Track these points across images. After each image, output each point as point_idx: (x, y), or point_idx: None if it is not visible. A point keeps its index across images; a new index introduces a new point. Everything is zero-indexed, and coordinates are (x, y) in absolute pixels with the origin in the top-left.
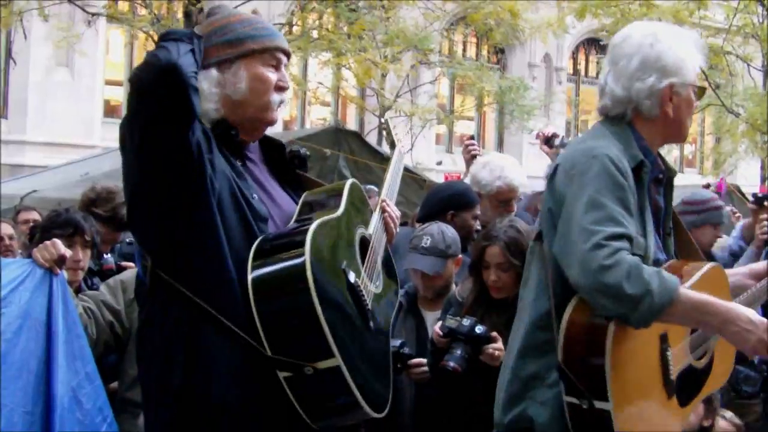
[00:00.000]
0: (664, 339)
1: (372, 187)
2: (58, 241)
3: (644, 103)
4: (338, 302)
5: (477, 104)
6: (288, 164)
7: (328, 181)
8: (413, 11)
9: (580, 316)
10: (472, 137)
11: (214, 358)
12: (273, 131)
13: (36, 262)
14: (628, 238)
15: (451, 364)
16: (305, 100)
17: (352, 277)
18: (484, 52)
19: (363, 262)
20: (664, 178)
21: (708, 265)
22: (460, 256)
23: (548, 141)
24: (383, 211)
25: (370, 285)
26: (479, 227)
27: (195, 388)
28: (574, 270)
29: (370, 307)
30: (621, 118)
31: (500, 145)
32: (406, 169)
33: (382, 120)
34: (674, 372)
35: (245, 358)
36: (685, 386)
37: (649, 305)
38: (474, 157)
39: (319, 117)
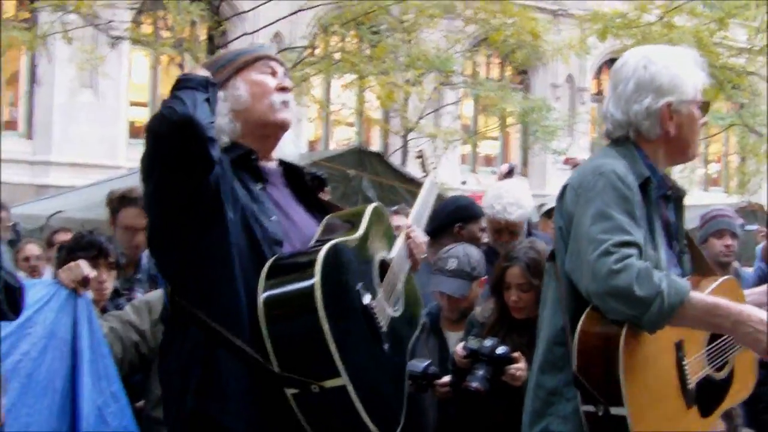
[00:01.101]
0: (679, 347)
1: (404, 206)
2: (82, 262)
3: (643, 124)
4: (349, 323)
5: (500, 125)
6: (309, 188)
7: (351, 202)
8: (435, 34)
9: (592, 325)
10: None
11: (227, 381)
12: (298, 152)
13: (61, 283)
14: (637, 245)
15: (474, 384)
16: (329, 122)
17: (366, 299)
18: (507, 73)
19: (381, 285)
20: (673, 195)
21: (722, 278)
22: (484, 277)
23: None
24: (408, 237)
25: (388, 308)
26: (486, 239)
27: (208, 411)
28: (585, 279)
29: (384, 329)
30: (625, 140)
31: (524, 165)
32: None
33: (417, 149)
34: (692, 381)
35: (257, 382)
36: (706, 397)
37: (660, 307)
38: None
39: (343, 138)
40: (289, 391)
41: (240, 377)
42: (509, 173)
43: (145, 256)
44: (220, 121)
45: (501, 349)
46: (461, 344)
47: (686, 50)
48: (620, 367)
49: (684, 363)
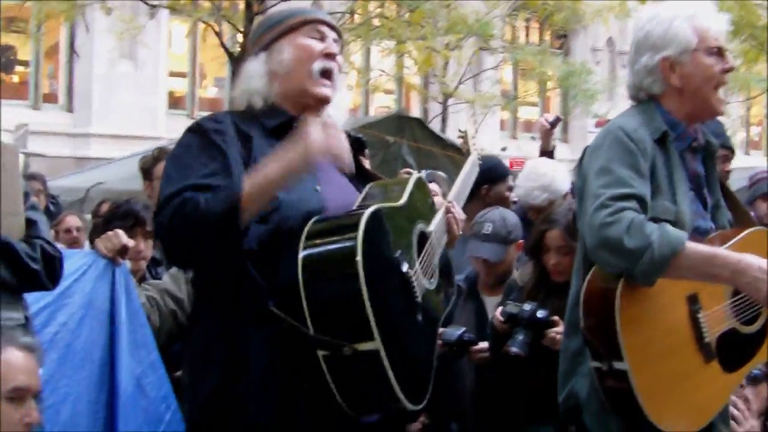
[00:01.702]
0: (693, 300)
1: (440, 173)
2: (120, 232)
3: (645, 82)
4: (386, 289)
5: (539, 90)
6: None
7: (390, 168)
8: None
9: (595, 281)
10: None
11: (253, 361)
12: (343, 117)
13: (98, 252)
14: (638, 198)
15: (514, 349)
16: (368, 89)
17: (405, 266)
18: (547, 37)
19: (419, 257)
20: (700, 147)
21: (750, 229)
22: (521, 241)
23: None
24: (448, 211)
25: (424, 280)
26: (515, 199)
27: (230, 390)
28: (585, 234)
29: (420, 300)
30: (645, 99)
31: (564, 131)
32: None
33: (460, 130)
34: (711, 335)
35: (282, 362)
36: (731, 351)
37: (651, 258)
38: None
39: (382, 105)
40: (321, 353)
41: (265, 356)
42: (554, 123)
43: None
44: (256, 83)
45: (540, 313)
46: (500, 309)
47: (696, 2)
48: (617, 320)
49: (698, 316)
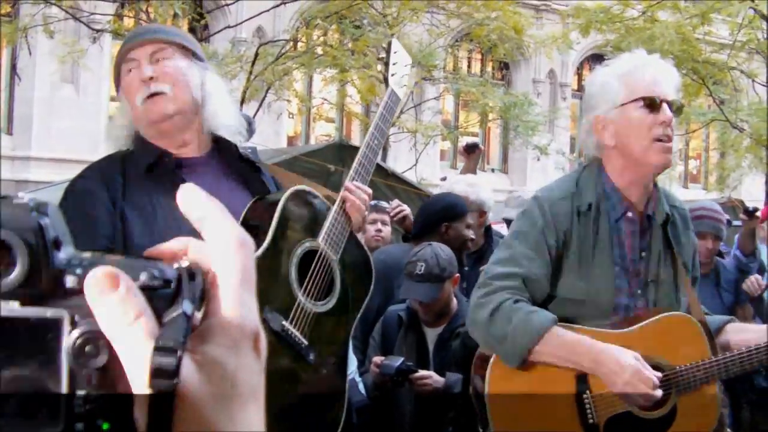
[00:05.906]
0: (582, 380)
1: (383, 203)
2: None
3: (587, 144)
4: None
5: (481, 120)
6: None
7: (331, 199)
8: (418, 28)
9: (482, 350)
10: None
11: None
12: (277, 146)
13: None
14: (523, 277)
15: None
16: (310, 117)
17: (276, 324)
18: (489, 68)
19: (306, 282)
20: (636, 216)
21: (662, 314)
22: (457, 275)
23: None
24: (344, 201)
25: (315, 306)
26: (472, 237)
27: None
28: None
29: (306, 342)
30: (591, 161)
31: (504, 161)
32: (411, 185)
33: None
34: (599, 417)
35: None
36: None
37: (512, 344)
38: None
39: (323, 133)
40: None
41: None
42: (470, 148)
43: None
44: (118, 133)
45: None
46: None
47: (634, 53)
48: (486, 394)
49: (585, 396)
